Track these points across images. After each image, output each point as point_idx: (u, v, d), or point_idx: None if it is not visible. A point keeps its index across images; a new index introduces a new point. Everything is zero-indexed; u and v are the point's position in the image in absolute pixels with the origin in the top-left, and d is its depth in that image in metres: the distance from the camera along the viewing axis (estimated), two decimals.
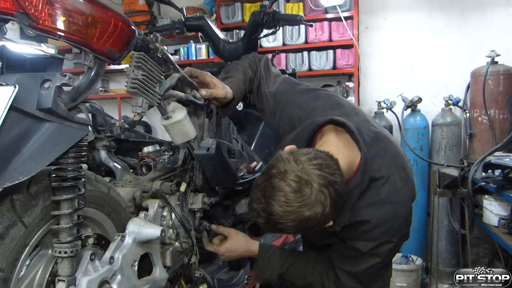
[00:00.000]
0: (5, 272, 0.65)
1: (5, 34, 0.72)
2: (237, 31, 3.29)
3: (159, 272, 0.96)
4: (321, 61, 3.14)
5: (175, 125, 0.96)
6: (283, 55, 3.20)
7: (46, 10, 0.63)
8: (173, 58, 3.42)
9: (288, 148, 0.87)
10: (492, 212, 2.27)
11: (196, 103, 1.03)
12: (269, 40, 3.18)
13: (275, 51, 2.29)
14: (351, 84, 3.09)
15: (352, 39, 3.05)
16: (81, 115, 0.72)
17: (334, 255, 1.07)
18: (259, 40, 1.58)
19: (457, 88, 2.99)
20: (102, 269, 0.79)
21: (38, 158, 0.65)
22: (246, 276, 1.37)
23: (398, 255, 2.69)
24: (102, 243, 0.85)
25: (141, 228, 0.87)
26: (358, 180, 0.91)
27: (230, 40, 1.59)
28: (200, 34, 1.61)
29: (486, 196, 2.33)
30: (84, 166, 0.81)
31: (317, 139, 0.97)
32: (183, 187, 1.08)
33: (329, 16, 3.11)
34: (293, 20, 1.51)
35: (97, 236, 0.85)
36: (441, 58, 3.12)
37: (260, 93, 1.17)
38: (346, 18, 3.05)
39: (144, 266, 0.94)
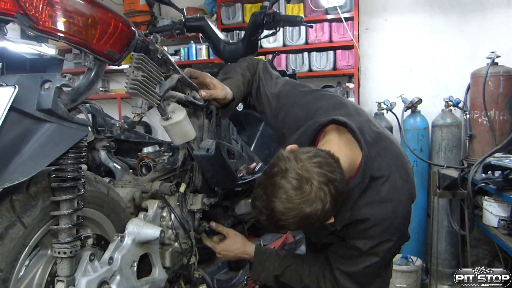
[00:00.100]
0: (4, 273, 0.65)
1: (6, 35, 0.73)
2: (238, 31, 3.29)
3: (158, 273, 0.96)
4: (322, 62, 3.14)
5: (174, 126, 0.96)
6: (283, 55, 3.20)
7: (46, 11, 0.63)
8: (174, 58, 3.41)
9: (289, 147, 0.88)
10: (492, 213, 2.27)
11: (196, 104, 1.03)
12: (270, 41, 3.18)
13: (275, 52, 2.30)
14: (351, 85, 3.09)
15: (352, 40, 3.05)
16: (81, 116, 0.72)
17: (332, 256, 1.07)
18: (259, 41, 1.59)
19: (457, 89, 2.99)
20: (101, 270, 0.79)
21: (37, 158, 0.65)
22: (245, 277, 1.37)
23: (398, 256, 2.69)
24: (102, 243, 0.85)
25: (141, 229, 0.87)
26: (358, 179, 0.92)
27: (230, 41, 1.59)
28: (200, 34, 1.62)
29: (486, 197, 2.33)
30: (84, 166, 0.81)
31: (320, 139, 0.99)
32: (182, 188, 1.08)
33: (329, 17, 3.11)
34: (293, 21, 1.51)
35: (97, 237, 0.85)
36: (441, 59, 3.12)
37: (260, 95, 1.18)
38: (347, 19, 3.06)
39: (144, 266, 0.94)
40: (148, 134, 1.41)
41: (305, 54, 3.16)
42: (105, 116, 1.10)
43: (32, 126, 0.66)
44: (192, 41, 3.54)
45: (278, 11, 1.58)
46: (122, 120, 1.00)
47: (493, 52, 2.60)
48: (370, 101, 3.20)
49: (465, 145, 2.85)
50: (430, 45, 3.14)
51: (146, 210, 1.00)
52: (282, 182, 0.81)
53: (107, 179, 1.09)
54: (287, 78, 1.24)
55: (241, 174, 1.19)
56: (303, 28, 3.14)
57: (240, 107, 1.61)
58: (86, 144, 0.75)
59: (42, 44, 0.79)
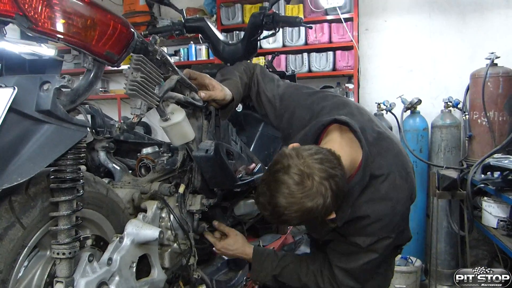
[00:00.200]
0: (3, 273, 0.65)
1: (5, 36, 0.73)
2: (237, 32, 3.29)
3: (157, 274, 0.96)
4: (321, 63, 3.14)
5: (173, 126, 0.96)
6: (283, 56, 3.21)
7: (45, 12, 0.63)
8: (173, 59, 3.40)
9: (291, 145, 0.92)
10: (491, 214, 2.27)
11: (195, 105, 1.03)
12: (269, 42, 3.19)
13: (275, 53, 2.30)
14: (350, 86, 3.10)
15: (352, 40, 3.06)
16: (80, 117, 0.72)
17: (331, 253, 1.09)
18: (258, 42, 1.59)
19: (456, 90, 2.99)
20: (100, 271, 0.79)
21: (37, 159, 0.65)
22: (245, 278, 1.37)
23: (397, 257, 2.69)
24: (101, 244, 0.85)
25: (140, 230, 0.87)
26: (359, 177, 0.95)
27: (230, 42, 1.59)
28: (200, 35, 1.62)
29: (485, 198, 2.33)
30: (83, 167, 0.81)
31: (323, 138, 1.02)
32: (181, 189, 1.08)
33: (329, 17, 3.12)
34: (292, 22, 1.51)
35: (96, 238, 0.85)
36: (440, 60, 3.13)
37: (261, 99, 1.19)
38: (346, 20, 3.06)
39: (143, 267, 0.94)
40: (147, 135, 1.41)
41: (305, 54, 3.16)
42: (104, 117, 1.10)
43: (31, 127, 0.66)
44: (191, 42, 3.54)
45: (277, 12, 1.58)
46: (122, 121, 1.00)
47: (492, 53, 2.60)
48: (370, 101, 3.21)
49: (465, 146, 2.85)
50: (430, 46, 3.14)
51: (145, 211, 1.00)
52: (284, 178, 0.84)
53: (106, 180, 1.09)
54: (288, 81, 1.26)
55: (240, 175, 1.20)
56: (302, 28, 3.14)
57: (239, 107, 1.61)
58: (85, 145, 0.75)
59: (42, 44, 0.79)
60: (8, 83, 0.65)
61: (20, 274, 0.70)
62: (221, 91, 1.08)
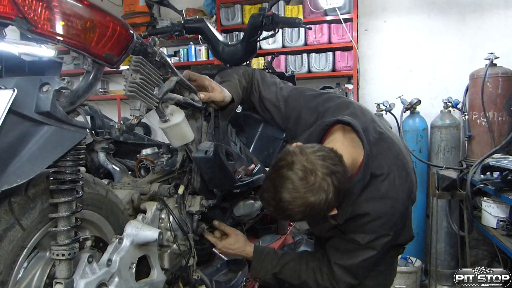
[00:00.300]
0: (2, 275, 0.66)
1: (4, 38, 0.73)
2: (237, 32, 3.29)
3: (157, 274, 0.96)
4: (321, 63, 3.14)
5: (173, 128, 0.96)
6: (282, 57, 3.21)
7: (44, 14, 0.63)
8: (173, 59, 3.41)
9: (295, 144, 0.95)
10: (490, 214, 2.28)
11: (195, 106, 1.03)
12: (269, 42, 3.19)
13: (274, 53, 2.30)
14: (350, 86, 3.10)
15: (351, 41, 3.06)
16: (79, 118, 0.72)
17: (331, 251, 1.12)
18: (258, 43, 1.59)
19: (456, 90, 2.99)
20: (100, 272, 0.79)
21: (36, 161, 0.65)
22: (244, 278, 1.37)
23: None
24: (100, 245, 0.86)
25: (139, 231, 0.88)
26: (360, 176, 0.98)
27: (229, 43, 1.59)
28: (199, 36, 1.62)
29: (484, 198, 2.33)
30: (82, 169, 0.81)
31: (326, 138, 1.05)
32: (181, 190, 1.08)
33: (328, 18, 3.12)
34: (291, 23, 1.51)
35: (95, 239, 0.85)
36: (440, 60, 3.13)
37: (265, 104, 1.21)
38: (346, 20, 3.06)
39: (142, 268, 0.94)
40: (147, 136, 1.42)
41: (304, 55, 3.16)
42: (103, 118, 1.10)
43: (31, 129, 0.66)
44: (191, 43, 3.55)
45: (276, 13, 1.59)
46: (122, 122, 1.00)
47: (491, 53, 2.61)
48: (369, 102, 3.21)
49: (464, 146, 2.85)
50: (429, 46, 3.15)
51: (144, 212, 1.00)
52: (288, 173, 0.88)
53: (105, 181, 1.09)
54: (290, 84, 1.28)
55: (240, 175, 1.20)
56: (302, 29, 3.14)
57: (239, 108, 1.61)
58: (85, 146, 0.75)
59: (42, 45, 0.79)
60: (8, 85, 0.65)
61: (19, 275, 0.70)
62: (220, 92, 1.08)
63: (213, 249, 1.24)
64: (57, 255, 0.70)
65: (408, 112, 2.98)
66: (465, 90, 2.88)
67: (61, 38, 0.65)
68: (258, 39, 1.53)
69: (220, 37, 1.59)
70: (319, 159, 0.88)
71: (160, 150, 1.21)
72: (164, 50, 3.69)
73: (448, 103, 2.88)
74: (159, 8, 3.72)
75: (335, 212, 0.94)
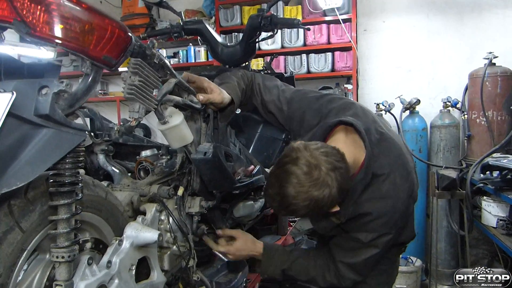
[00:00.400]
0: (2, 277, 0.66)
1: (3, 41, 0.73)
2: (236, 33, 3.30)
3: (157, 276, 0.96)
4: (320, 64, 3.15)
5: (172, 129, 0.96)
6: (281, 57, 3.21)
7: (43, 18, 0.64)
8: (172, 60, 3.41)
9: (298, 142, 0.98)
10: (490, 213, 2.28)
11: (193, 107, 1.04)
12: (268, 43, 3.19)
13: (273, 54, 2.30)
14: (349, 86, 3.10)
15: (350, 41, 3.06)
16: (78, 121, 0.72)
17: (335, 249, 1.14)
18: (257, 44, 1.59)
19: (455, 89, 3.00)
20: (100, 274, 0.79)
21: (35, 163, 0.65)
22: (244, 279, 1.37)
23: None
24: (100, 247, 0.86)
25: (139, 232, 0.88)
26: (362, 175, 1.01)
27: (228, 44, 1.60)
28: (198, 37, 1.62)
29: (484, 197, 2.33)
30: (82, 171, 0.81)
31: (329, 138, 1.07)
32: (180, 191, 1.08)
33: (327, 18, 3.12)
34: (290, 24, 1.52)
35: (95, 241, 0.85)
36: (439, 60, 3.13)
37: (267, 107, 1.23)
38: (345, 21, 3.07)
39: (142, 270, 0.94)
40: (146, 137, 1.42)
41: (304, 56, 3.17)
42: (102, 120, 1.10)
43: (30, 132, 0.66)
44: (190, 44, 3.55)
45: (275, 14, 1.59)
46: (121, 123, 1.00)
47: (490, 53, 2.61)
48: (369, 102, 3.21)
49: (464, 146, 2.86)
50: (428, 46, 3.15)
51: (144, 213, 1.00)
52: (293, 168, 0.91)
53: (105, 183, 1.09)
54: (292, 87, 1.29)
55: (239, 177, 1.20)
56: (301, 30, 3.15)
57: (238, 109, 1.61)
58: (84, 148, 0.75)
59: (41, 47, 0.79)
60: (7, 88, 0.65)
61: (19, 278, 0.70)
62: (219, 94, 1.09)
63: (219, 254, 1.23)
64: (57, 257, 0.70)
65: (407, 112, 2.98)
66: (464, 89, 2.88)
67: (59, 41, 0.65)
68: (257, 40, 1.54)
69: (219, 38, 1.59)
70: (323, 155, 0.91)
71: (160, 151, 1.22)
72: (164, 51, 3.70)
73: (447, 103, 2.89)
74: (158, 10, 3.73)
75: (337, 209, 0.97)
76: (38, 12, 0.63)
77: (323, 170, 0.90)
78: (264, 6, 1.53)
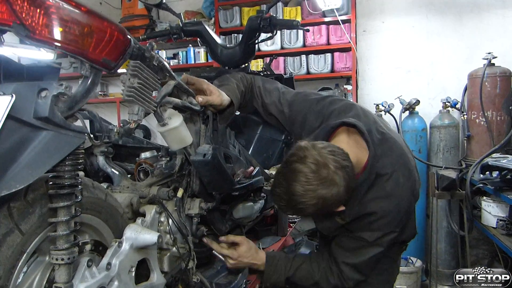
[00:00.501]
0: (2, 280, 0.66)
1: (2, 44, 0.73)
2: (236, 35, 3.31)
3: (156, 278, 0.96)
4: (319, 65, 3.15)
5: (171, 131, 0.97)
6: (281, 58, 3.22)
7: (42, 21, 0.64)
8: (172, 62, 3.40)
9: (305, 141, 0.99)
10: (490, 214, 2.28)
11: (193, 109, 1.04)
12: (268, 44, 3.20)
13: (273, 55, 2.31)
14: (349, 87, 3.11)
15: (350, 42, 3.07)
16: (78, 123, 0.72)
17: (337, 251, 1.14)
18: (256, 45, 1.60)
19: (454, 90, 3.00)
20: (99, 276, 0.79)
21: (35, 166, 0.65)
22: (244, 281, 1.37)
23: None
24: (99, 249, 0.86)
25: (138, 234, 0.88)
26: (366, 175, 1.02)
27: (228, 45, 1.60)
28: (198, 39, 1.63)
29: (484, 197, 2.34)
30: (81, 173, 0.81)
31: (331, 139, 1.08)
32: (180, 193, 1.09)
33: (327, 19, 3.13)
34: (289, 26, 1.52)
35: (94, 242, 0.85)
36: (438, 60, 3.14)
37: (268, 109, 1.23)
38: (344, 22, 3.07)
39: (142, 271, 0.95)
40: (146, 139, 1.42)
41: (303, 56, 3.17)
42: (101, 122, 1.11)
43: (29, 134, 0.66)
44: (190, 45, 3.55)
45: (274, 15, 1.59)
46: (121, 124, 1.01)
47: (489, 53, 2.61)
48: (368, 102, 3.22)
49: (463, 146, 2.86)
50: (427, 46, 3.15)
51: (144, 215, 1.00)
52: (301, 167, 0.91)
53: (105, 185, 1.09)
54: (293, 89, 1.30)
55: (238, 178, 1.20)
56: (300, 31, 3.15)
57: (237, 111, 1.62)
58: (83, 151, 0.75)
59: (41, 49, 0.79)
60: (6, 91, 0.65)
61: (19, 280, 0.70)
62: (218, 96, 1.09)
63: (221, 256, 1.23)
64: (57, 259, 0.70)
65: (407, 113, 2.98)
66: (463, 90, 2.89)
67: (59, 44, 0.65)
68: (256, 41, 1.54)
69: (218, 39, 1.60)
70: (330, 154, 0.92)
71: (159, 153, 1.22)
72: (163, 53, 3.70)
73: (446, 103, 2.89)
74: (158, 11, 3.74)
75: (343, 208, 0.97)
76: (37, 15, 0.63)
77: (331, 169, 0.90)
78: (264, 7, 1.53)
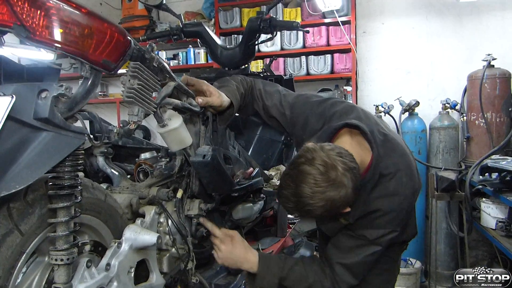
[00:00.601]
0: (1, 280, 0.66)
1: (3, 45, 0.74)
2: (236, 35, 3.31)
3: (155, 278, 0.97)
4: (319, 66, 3.16)
5: (171, 132, 0.97)
6: (281, 59, 3.22)
7: (43, 22, 0.64)
8: (172, 62, 3.40)
9: (311, 143, 0.99)
10: (489, 215, 2.28)
11: (192, 110, 1.04)
12: (267, 45, 3.20)
13: (273, 56, 2.31)
14: (349, 88, 3.11)
15: (349, 43, 3.07)
16: (78, 124, 0.72)
17: (333, 251, 1.13)
18: (256, 46, 1.60)
19: (454, 91, 3.01)
20: (99, 276, 0.79)
21: (35, 167, 0.65)
22: (244, 281, 1.37)
23: None
24: (99, 249, 0.86)
25: (138, 235, 0.88)
26: (370, 175, 1.03)
27: (228, 46, 1.60)
28: (198, 39, 1.63)
29: (483, 199, 2.34)
30: (81, 174, 0.81)
31: (334, 141, 1.09)
32: (179, 194, 1.09)
33: (326, 20, 3.13)
34: (289, 27, 1.53)
35: (94, 243, 0.85)
36: (438, 62, 3.14)
37: (270, 112, 1.23)
38: (344, 23, 3.08)
39: (141, 272, 0.95)
40: (145, 140, 1.42)
41: (303, 57, 3.18)
42: (101, 122, 1.11)
43: (29, 135, 0.66)
44: (190, 46, 3.56)
45: (274, 16, 1.60)
46: (121, 125, 1.01)
47: (489, 55, 2.62)
48: (368, 104, 3.22)
49: (463, 147, 2.86)
50: (427, 48, 3.16)
51: (143, 216, 1.00)
52: (309, 169, 0.91)
53: (104, 185, 1.09)
54: (293, 92, 1.30)
55: (238, 179, 1.20)
56: (300, 32, 3.15)
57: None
58: (83, 152, 0.75)
59: (41, 50, 0.79)
60: (6, 92, 0.65)
61: (18, 281, 0.71)
62: (218, 97, 1.09)
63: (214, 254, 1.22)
64: (56, 260, 0.70)
65: (406, 114, 2.99)
66: (463, 91, 2.89)
67: (59, 45, 0.66)
68: (256, 42, 1.54)
69: (218, 40, 1.60)
70: (338, 155, 0.93)
71: (159, 154, 1.22)
72: (163, 53, 3.71)
73: (446, 105, 2.89)
74: (158, 12, 3.74)
75: (349, 209, 0.98)
76: (37, 17, 0.64)
77: (339, 171, 0.90)
78: (264, 8, 1.54)
